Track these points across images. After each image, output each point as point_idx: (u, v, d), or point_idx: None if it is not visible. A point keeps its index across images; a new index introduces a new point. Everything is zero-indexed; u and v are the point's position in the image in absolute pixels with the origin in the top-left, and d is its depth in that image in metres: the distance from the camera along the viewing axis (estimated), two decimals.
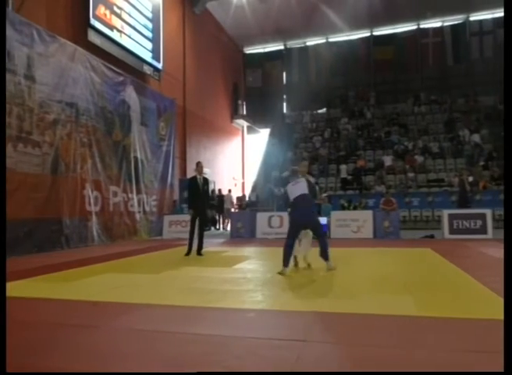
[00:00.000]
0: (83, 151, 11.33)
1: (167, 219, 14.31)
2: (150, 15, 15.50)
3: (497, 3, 21.21)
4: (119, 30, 13.54)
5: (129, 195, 13.42)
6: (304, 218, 6.04)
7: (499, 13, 22.54)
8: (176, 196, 16.82)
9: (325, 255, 6.03)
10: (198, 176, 8.38)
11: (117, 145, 12.95)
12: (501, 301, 4.01)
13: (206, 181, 8.51)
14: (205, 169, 18.67)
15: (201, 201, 8.40)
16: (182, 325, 3.51)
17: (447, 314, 3.64)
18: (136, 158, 13.92)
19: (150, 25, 15.47)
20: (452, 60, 23.41)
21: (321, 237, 6.10)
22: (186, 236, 13.25)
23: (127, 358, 2.76)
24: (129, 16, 14.23)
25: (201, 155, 19.79)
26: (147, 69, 15.17)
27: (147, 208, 14.41)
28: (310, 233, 6.37)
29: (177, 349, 2.90)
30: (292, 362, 2.58)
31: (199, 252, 8.42)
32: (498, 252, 8.06)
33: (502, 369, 2.24)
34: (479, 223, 11.67)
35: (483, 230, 11.57)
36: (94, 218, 11.51)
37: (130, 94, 13.70)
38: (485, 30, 22.91)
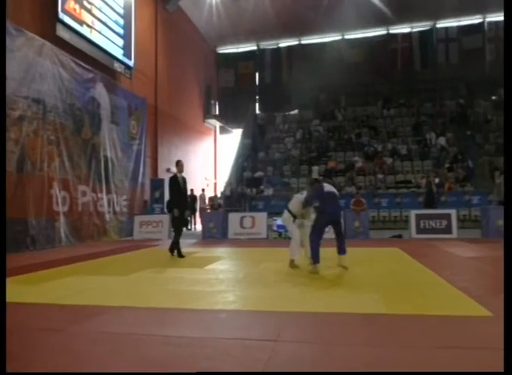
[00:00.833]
0: (51, 150, 11.00)
1: (138, 219, 14.09)
2: (121, 11, 15.21)
3: (462, 12, 22.05)
4: (89, 26, 13.22)
5: (99, 195, 13.14)
6: (336, 216, 6.29)
7: (464, 21, 23.43)
8: (147, 196, 16.58)
9: (343, 251, 6.25)
10: (179, 175, 8.30)
11: (86, 144, 12.65)
12: (467, 298, 4.17)
13: (185, 180, 8.44)
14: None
15: (184, 200, 8.35)
16: (153, 327, 3.47)
17: (416, 312, 3.75)
18: (106, 157, 13.64)
19: (121, 21, 15.18)
20: (419, 65, 24.09)
21: (342, 235, 6.35)
22: (157, 236, 13.30)
23: (96, 362, 2.71)
24: (100, 11, 13.92)
25: (173, 154, 19.58)
26: (117, 67, 14.88)
27: (118, 208, 14.14)
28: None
29: (148, 351, 2.87)
30: (264, 362, 2.60)
31: (173, 250, 8.30)
32: (462, 251, 8.36)
33: (476, 365, 2.34)
34: (444, 223, 12.07)
35: (448, 229, 11.96)
36: (61, 218, 11.19)
37: (100, 92, 13.41)
38: (451, 36, 23.71)
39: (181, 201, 8.20)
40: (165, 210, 16.56)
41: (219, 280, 5.60)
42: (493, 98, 21.91)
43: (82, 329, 3.44)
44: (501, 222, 11.56)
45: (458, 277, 5.40)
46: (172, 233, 8.48)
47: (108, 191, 13.66)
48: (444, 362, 2.58)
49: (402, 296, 4.46)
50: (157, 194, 16.72)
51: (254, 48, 26.53)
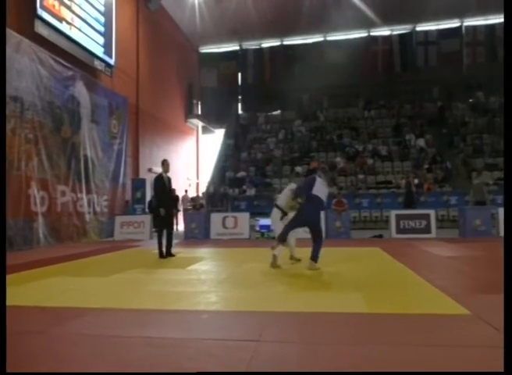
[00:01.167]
0: (29, 148, 10.77)
1: (119, 219, 13.92)
2: (102, 8, 15.00)
3: (441, 16, 22.49)
4: (68, 23, 12.99)
5: (79, 195, 12.92)
6: (309, 216, 6.22)
7: (443, 25, 23.91)
8: (129, 196, 16.40)
9: (316, 256, 6.20)
10: (164, 175, 8.23)
11: (66, 143, 12.43)
12: (445, 297, 4.26)
13: (170, 180, 8.38)
14: (158, 169, 18.43)
15: (169, 200, 8.28)
16: (134, 328, 3.43)
17: (396, 311, 3.81)
18: (86, 157, 13.43)
19: (102, 19, 14.97)
20: (399, 67, 24.49)
21: (319, 238, 6.29)
22: (139, 237, 13.16)
23: (77, 364, 2.67)
24: (80, 8, 13.69)
25: (154, 154, 19.42)
26: (98, 65, 14.66)
27: (98, 209, 13.93)
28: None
29: (128, 353, 2.84)
30: (246, 362, 2.60)
31: (169, 253, 8.22)
32: (441, 251, 8.54)
33: (458, 364, 2.38)
34: (424, 223, 12.29)
35: (427, 229, 12.19)
36: (40, 218, 10.96)
37: (80, 90, 13.20)
38: (430, 40, 24.18)
39: (166, 201, 8.14)
40: (147, 210, 16.43)
41: (201, 281, 5.58)
42: (470, 100, 22.41)
43: (63, 331, 3.39)
44: (478, 222, 11.85)
45: (437, 276, 5.50)
46: (168, 233, 8.33)
47: (88, 191, 13.45)
48: (429, 360, 2.62)
49: (383, 295, 4.53)
50: (138, 195, 16.56)
51: (237, 48, 26.51)
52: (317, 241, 6.28)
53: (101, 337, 3.22)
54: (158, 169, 18.55)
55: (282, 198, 6.87)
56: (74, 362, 2.71)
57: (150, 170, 18.79)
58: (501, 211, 11.38)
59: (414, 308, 3.91)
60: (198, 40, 25.61)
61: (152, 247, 9.79)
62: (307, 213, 6.22)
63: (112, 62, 15.40)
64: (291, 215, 6.65)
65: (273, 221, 7.12)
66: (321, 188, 6.26)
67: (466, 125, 20.62)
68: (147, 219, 13.83)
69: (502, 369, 2.22)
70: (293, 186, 6.85)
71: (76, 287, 5.23)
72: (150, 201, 17.10)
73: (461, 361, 2.60)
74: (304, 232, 6.80)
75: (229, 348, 2.89)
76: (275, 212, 6.91)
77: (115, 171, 15.22)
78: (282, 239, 6.37)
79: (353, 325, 3.43)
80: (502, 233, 11.60)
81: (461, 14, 22.91)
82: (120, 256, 8.97)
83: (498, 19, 23.30)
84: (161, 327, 3.46)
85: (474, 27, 23.85)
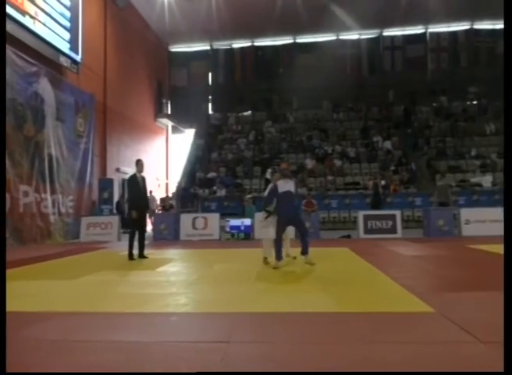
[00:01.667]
0: None
1: (85, 221, 13.56)
2: (68, 3, 14.55)
3: (407, 22, 23.12)
4: (32, 17, 12.54)
5: (43, 195, 12.49)
6: (290, 214, 6.51)
7: (409, 31, 24.62)
8: (95, 196, 16.01)
9: (306, 250, 6.55)
10: (138, 175, 8.07)
11: (29, 141, 12.00)
12: (410, 295, 4.38)
13: (144, 180, 8.22)
14: (127, 169, 18.14)
15: (143, 201, 8.13)
16: (100, 332, 3.35)
17: (365, 309, 3.88)
18: (50, 156, 13.00)
19: (68, 14, 14.53)
20: (367, 71, 25.06)
21: (305, 233, 6.61)
22: (106, 239, 12.87)
23: (26, 372, 2.57)
24: (45, 2, 13.23)
25: (122, 153, 19.05)
26: (63, 61, 14.22)
27: (63, 210, 13.51)
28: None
29: (94, 358, 2.76)
30: (216, 364, 2.59)
31: (142, 255, 8.06)
32: (406, 250, 8.78)
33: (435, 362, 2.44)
34: (390, 223, 12.61)
35: (393, 229, 12.52)
36: None
37: (44, 87, 12.77)
38: (396, 45, 24.87)
39: (140, 202, 7.98)
40: (114, 211, 16.10)
41: (171, 283, 5.51)
42: (434, 105, 23.19)
43: (22, 336, 3.26)
44: (441, 222, 12.26)
45: (402, 275, 5.65)
46: (140, 235, 8.16)
47: (53, 192, 13.03)
48: (397, 357, 2.69)
49: (351, 294, 4.61)
50: (106, 195, 16.19)
51: (208, 47, 26.38)
52: (304, 235, 6.60)
53: (62, 341, 3.12)
54: (127, 169, 18.28)
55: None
56: (26, 370, 2.61)
57: (118, 170, 18.41)
58: (497, 211, 11.43)
59: (382, 306, 4.00)
60: (168, 38, 25.30)
61: (120, 248, 9.60)
62: (284, 212, 6.50)
63: (78, 58, 14.98)
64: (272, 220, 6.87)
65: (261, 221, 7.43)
66: (285, 185, 6.58)
67: (430, 128, 21.30)
68: (114, 220, 13.54)
69: (464, 368, 2.30)
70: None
71: (39, 291, 5.06)
72: (118, 202, 16.79)
73: (427, 357, 2.67)
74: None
75: (198, 351, 2.87)
76: (262, 214, 7.20)
77: (82, 171, 14.82)
78: (279, 250, 6.52)
79: (323, 324, 3.47)
80: (463, 233, 12.06)
81: (426, 21, 23.65)
82: (87, 258, 8.74)
83: (461, 26, 24.27)
84: (128, 331, 3.39)
85: (438, 34, 24.70)
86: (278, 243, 6.54)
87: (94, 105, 15.94)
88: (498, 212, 12.37)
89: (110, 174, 17.68)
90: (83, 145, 15.01)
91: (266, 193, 7.23)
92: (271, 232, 6.78)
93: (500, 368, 2.41)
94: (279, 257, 6.47)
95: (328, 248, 9.71)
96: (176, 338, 3.15)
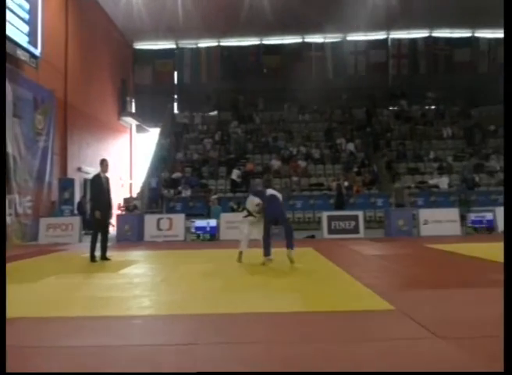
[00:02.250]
0: None
1: (44, 222, 13.09)
2: None
3: (369, 27, 23.70)
4: None
5: None
6: (277, 214, 7.00)
7: (371, 36, 25.29)
8: (55, 197, 15.47)
9: (291, 244, 6.86)
10: (102, 175, 7.89)
11: None
12: (372, 294, 4.51)
13: (108, 181, 8.03)
14: (89, 169, 17.63)
15: (107, 202, 7.95)
16: (59, 338, 3.24)
17: (329, 308, 3.96)
18: (7, 154, 12.43)
19: (26, 6, 13.93)
20: (332, 74, 25.54)
21: (289, 232, 6.98)
22: (67, 240, 12.47)
23: None
24: None
25: (84, 152, 18.51)
26: (21, 55, 13.62)
27: (20, 210, 12.95)
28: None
29: (53, 365, 2.67)
30: (181, 367, 2.57)
31: (105, 257, 7.87)
32: (368, 250, 9.03)
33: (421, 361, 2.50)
34: (353, 223, 12.92)
35: (356, 230, 12.83)
36: None
37: None
38: (360, 49, 25.50)
39: (103, 203, 7.81)
40: (76, 212, 15.63)
41: (134, 285, 5.42)
42: (395, 108, 23.96)
43: None
44: (401, 222, 12.69)
45: (365, 274, 5.81)
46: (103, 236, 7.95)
47: (9, 191, 12.46)
48: (361, 355, 2.76)
49: (315, 294, 4.69)
50: (66, 195, 15.68)
51: (173, 46, 26.04)
52: (289, 232, 6.98)
53: (21, 348, 2.97)
54: (89, 169, 17.78)
55: (249, 205, 7.44)
56: None
57: (79, 169, 17.87)
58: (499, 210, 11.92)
59: (345, 305, 4.09)
60: (133, 35, 24.77)
61: (82, 250, 9.33)
62: (272, 212, 6.96)
63: (37, 52, 14.40)
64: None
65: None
66: (269, 191, 7.44)
67: (391, 131, 21.97)
68: (76, 221, 13.15)
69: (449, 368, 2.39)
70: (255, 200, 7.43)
71: None
72: (79, 202, 16.30)
73: (389, 354, 2.76)
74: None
75: (163, 354, 2.83)
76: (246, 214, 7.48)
77: (41, 170, 14.28)
78: (268, 246, 6.84)
79: (289, 324, 3.52)
80: (422, 233, 12.52)
81: (388, 27, 24.38)
82: (46, 261, 8.43)
83: (420, 33, 25.19)
84: (87, 335, 3.29)
85: (399, 40, 25.54)
86: (266, 240, 6.82)
87: (54, 102, 15.39)
88: (454, 213, 13.01)
89: (71, 174, 17.13)
90: (42, 143, 14.45)
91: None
92: (246, 229, 7.22)
93: (457, 362, 2.54)
94: (267, 253, 6.76)
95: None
96: (138, 342, 3.10)
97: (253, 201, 7.29)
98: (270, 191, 7.34)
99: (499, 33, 24.73)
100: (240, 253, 7.20)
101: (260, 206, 7.09)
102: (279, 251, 7.10)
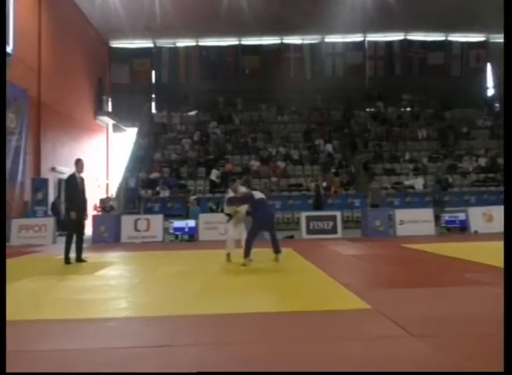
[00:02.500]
0: None
1: (16, 223, 12.74)
2: None
3: (347, 30, 23.98)
4: None
5: None
6: (268, 219, 7.21)
7: (348, 38, 25.60)
8: (28, 197, 15.07)
9: (279, 249, 7.21)
10: (77, 175, 7.76)
11: None
12: (349, 293, 4.56)
13: (83, 181, 7.89)
14: (63, 169, 17.24)
15: (82, 202, 7.81)
16: (33, 342, 3.16)
17: (306, 308, 3.99)
18: None
19: None
20: (310, 75, 25.75)
21: (276, 238, 7.28)
22: (40, 242, 12.16)
23: None
24: None
25: (58, 152, 18.09)
26: None
27: None
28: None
29: (26, 369, 2.60)
30: (158, 369, 2.54)
31: (80, 258, 7.71)
32: (345, 250, 9.14)
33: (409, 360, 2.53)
34: (331, 224, 13.04)
35: (334, 230, 12.95)
36: None
37: None
38: (337, 51, 25.80)
39: (78, 203, 7.67)
40: (49, 213, 15.27)
41: (110, 287, 5.33)
42: (371, 110, 24.34)
43: None
44: (378, 222, 12.88)
45: (342, 274, 5.88)
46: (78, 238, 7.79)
47: None
48: (338, 353, 2.79)
49: (293, 294, 4.72)
50: (39, 196, 15.30)
51: (151, 45, 25.75)
52: (275, 237, 7.25)
53: None
54: (63, 169, 17.39)
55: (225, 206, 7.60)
56: None
57: (53, 169, 17.46)
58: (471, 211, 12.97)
59: (322, 305, 4.13)
60: (109, 33, 24.33)
61: (56, 252, 9.13)
62: (263, 217, 7.03)
63: (8, 49, 13.97)
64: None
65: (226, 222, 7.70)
66: (258, 193, 7.41)
67: (368, 132, 22.30)
68: (49, 222, 12.84)
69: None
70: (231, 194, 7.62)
71: None
72: (53, 203, 15.93)
73: (365, 353, 2.80)
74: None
75: (140, 356, 2.80)
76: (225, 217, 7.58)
77: (13, 169, 13.91)
78: (249, 248, 6.91)
79: (266, 324, 3.52)
80: (398, 233, 12.74)
81: (364, 29, 24.73)
82: (19, 263, 8.19)
83: (396, 36, 25.65)
84: (62, 339, 3.23)
85: (376, 43, 25.95)
86: (249, 243, 6.88)
87: (27, 100, 15.04)
88: (429, 213, 13.30)
89: (45, 174, 16.71)
90: (14, 142, 14.10)
91: (228, 197, 7.68)
92: (231, 231, 7.34)
93: (430, 361, 2.58)
94: (247, 255, 6.82)
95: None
96: (116, 344, 3.05)
97: (235, 207, 7.38)
98: (259, 195, 7.27)
99: (472, 37, 25.57)
100: (228, 255, 7.31)
101: (237, 212, 7.20)
102: (259, 252, 7.13)
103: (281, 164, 19.61)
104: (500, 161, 19.35)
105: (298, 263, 7.32)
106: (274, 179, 18.69)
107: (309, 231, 12.89)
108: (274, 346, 2.96)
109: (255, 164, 19.50)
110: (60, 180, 16.77)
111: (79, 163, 7.88)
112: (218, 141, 21.81)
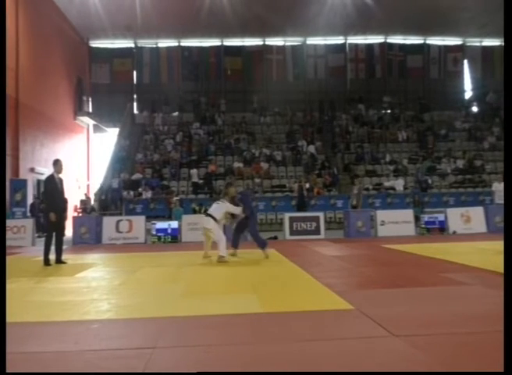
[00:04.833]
0: None
1: None
2: None
3: (328, 32, 24.21)
4: None
5: None
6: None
7: (330, 41, 25.84)
8: (6, 198, 14.70)
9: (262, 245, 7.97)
10: (56, 176, 7.63)
11: None
12: (332, 294, 4.60)
13: (62, 182, 7.77)
14: (43, 170, 16.91)
15: (61, 203, 7.73)
16: (11, 344, 3.07)
17: (288, 309, 4.01)
18: None
19: None
20: (292, 77, 25.89)
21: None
22: (19, 243, 11.90)
23: None
24: None
25: (38, 153, 17.76)
26: None
27: None
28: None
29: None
30: (140, 371, 2.51)
31: (60, 260, 7.57)
32: (328, 251, 9.21)
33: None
34: (314, 224, 13.11)
35: (317, 231, 13.03)
36: None
37: None
38: (319, 54, 26.01)
39: (58, 204, 7.57)
40: (28, 214, 14.99)
41: (91, 289, 5.25)
42: (352, 112, 24.63)
43: None
44: (360, 223, 13.02)
45: (325, 274, 5.92)
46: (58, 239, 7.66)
47: None
48: (320, 354, 2.81)
49: (276, 295, 4.73)
50: (18, 197, 15.00)
51: (132, 45, 25.48)
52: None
53: None
54: (43, 169, 17.09)
55: (219, 212, 7.67)
56: None
57: (32, 170, 17.12)
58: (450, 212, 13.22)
59: (305, 305, 4.15)
60: (89, 33, 23.97)
61: (35, 254, 8.95)
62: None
63: None
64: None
65: (209, 226, 7.61)
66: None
67: (350, 134, 22.54)
68: (28, 223, 12.58)
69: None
70: (228, 206, 7.82)
71: None
72: (32, 204, 15.64)
73: (347, 353, 2.83)
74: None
75: (121, 358, 2.77)
76: (211, 221, 7.57)
77: None
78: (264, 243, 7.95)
79: (250, 325, 3.53)
80: (379, 234, 12.90)
81: (346, 32, 24.99)
82: None
83: (376, 39, 26.01)
84: (42, 341, 3.17)
85: (356, 45, 26.25)
86: (257, 233, 8.16)
87: None
88: (409, 214, 13.52)
89: (23, 175, 16.38)
90: None
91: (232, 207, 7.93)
92: (221, 233, 7.63)
93: (411, 360, 2.62)
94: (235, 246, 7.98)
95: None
96: (97, 347, 3.01)
97: (221, 208, 7.62)
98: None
99: (449, 41, 26.13)
100: (222, 257, 7.41)
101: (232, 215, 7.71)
102: (241, 252, 7.13)
103: (264, 165, 19.66)
104: (477, 163, 19.86)
105: (281, 264, 7.34)
106: (257, 180, 18.72)
107: (292, 232, 12.94)
108: (255, 347, 2.97)
109: (238, 165, 19.49)
110: (39, 181, 16.45)
111: (57, 164, 7.76)
112: (201, 141, 21.74)
